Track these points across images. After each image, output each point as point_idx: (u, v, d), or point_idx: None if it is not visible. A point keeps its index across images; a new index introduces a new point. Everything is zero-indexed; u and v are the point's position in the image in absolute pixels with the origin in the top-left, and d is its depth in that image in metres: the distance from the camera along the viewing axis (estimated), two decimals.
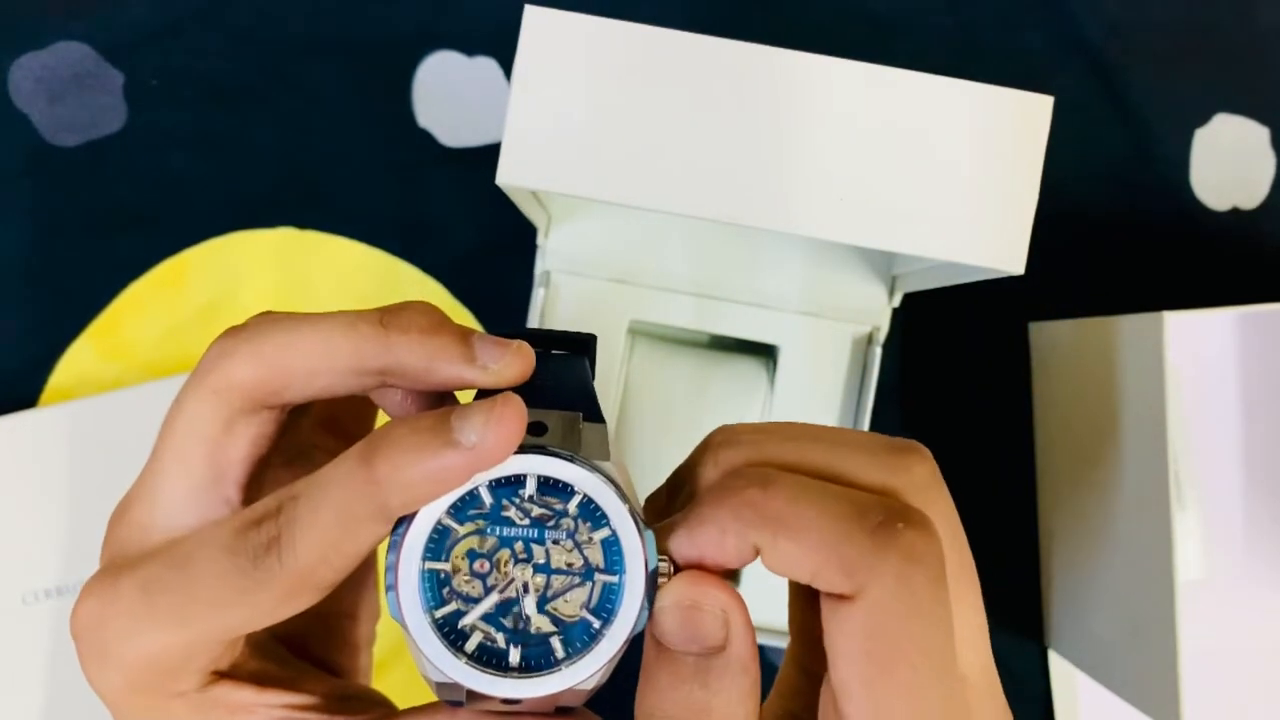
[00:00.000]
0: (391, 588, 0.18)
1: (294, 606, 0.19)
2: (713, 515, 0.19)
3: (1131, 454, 0.38)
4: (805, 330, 0.41)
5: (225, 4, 0.45)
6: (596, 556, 0.19)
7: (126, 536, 0.21)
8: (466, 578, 0.19)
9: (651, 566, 0.19)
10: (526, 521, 0.19)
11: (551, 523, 0.19)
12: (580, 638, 0.19)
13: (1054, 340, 0.44)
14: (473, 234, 0.45)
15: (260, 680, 0.21)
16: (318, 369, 0.19)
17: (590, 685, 0.19)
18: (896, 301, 0.41)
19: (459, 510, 0.19)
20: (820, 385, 0.41)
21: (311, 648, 0.23)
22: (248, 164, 0.45)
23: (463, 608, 0.19)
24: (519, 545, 0.19)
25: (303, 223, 0.45)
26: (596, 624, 0.19)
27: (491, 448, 0.17)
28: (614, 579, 0.19)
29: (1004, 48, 0.47)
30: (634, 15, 0.30)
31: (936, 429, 0.46)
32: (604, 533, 0.19)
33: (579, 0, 0.32)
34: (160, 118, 0.45)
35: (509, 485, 0.19)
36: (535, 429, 0.19)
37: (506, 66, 0.45)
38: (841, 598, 0.18)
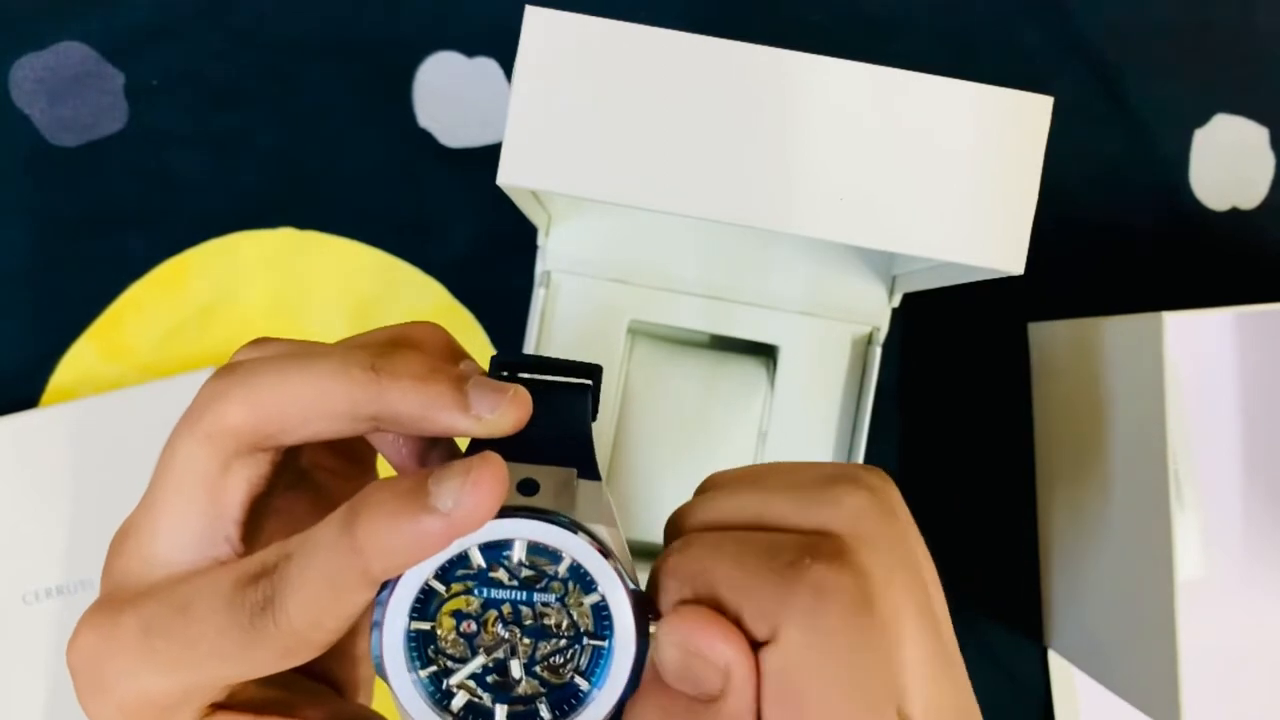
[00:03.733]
0: (376, 648, 0.18)
1: (290, 662, 0.19)
2: (656, 579, 0.19)
3: (1131, 454, 0.38)
4: (805, 330, 0.41)
5: (226, 4, 0.45)
6: (586, 620, 0.19)
7: (126, 569, 0.21)
8: (453, 638, 0.18)
9: (639, 636, 0.18)
10: (515, 583, 0.19)
11: (541, 585, 0.19)
12: (568, 700, 0.18)
13: (1054, 340, 0.44)
14: (473, 234, 0.45)
15: (257, 707, 0.20)
16: (310, 415, 0.19)
17: None
18: (896, 301, 0.41)
19: (447, 571, 0.18)
20: (820, 385, 0.41)
21: (311, 661, 0.23)
22: (248, 164, 0.45)
23: (449, 667, 0.18)
24: (507, 607, 0.19)
25: (303, 223, 0.45)
26: (585, 687, 0.18)
27: (469, 513, 0.17)
28: (603, 644, 0.19)
29: (1004, 48, 0.47)
30: (634, 16, 0.30)
31: (936, 429, 0.46)
32: (594, 598, 0.19)
33: (580, 1, 0.32)
34: (161, 118, 0.45)
35: (497, 547, 0.18)
36: (526, 486, 0.19)
37: (507, 67, 0.45)
38: (766, 643, 0.18)
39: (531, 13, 0.29)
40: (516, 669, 0.18)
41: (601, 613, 0.19)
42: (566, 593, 0.19)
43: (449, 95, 0.45)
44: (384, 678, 0.18)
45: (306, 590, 0.18)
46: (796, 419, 0.41)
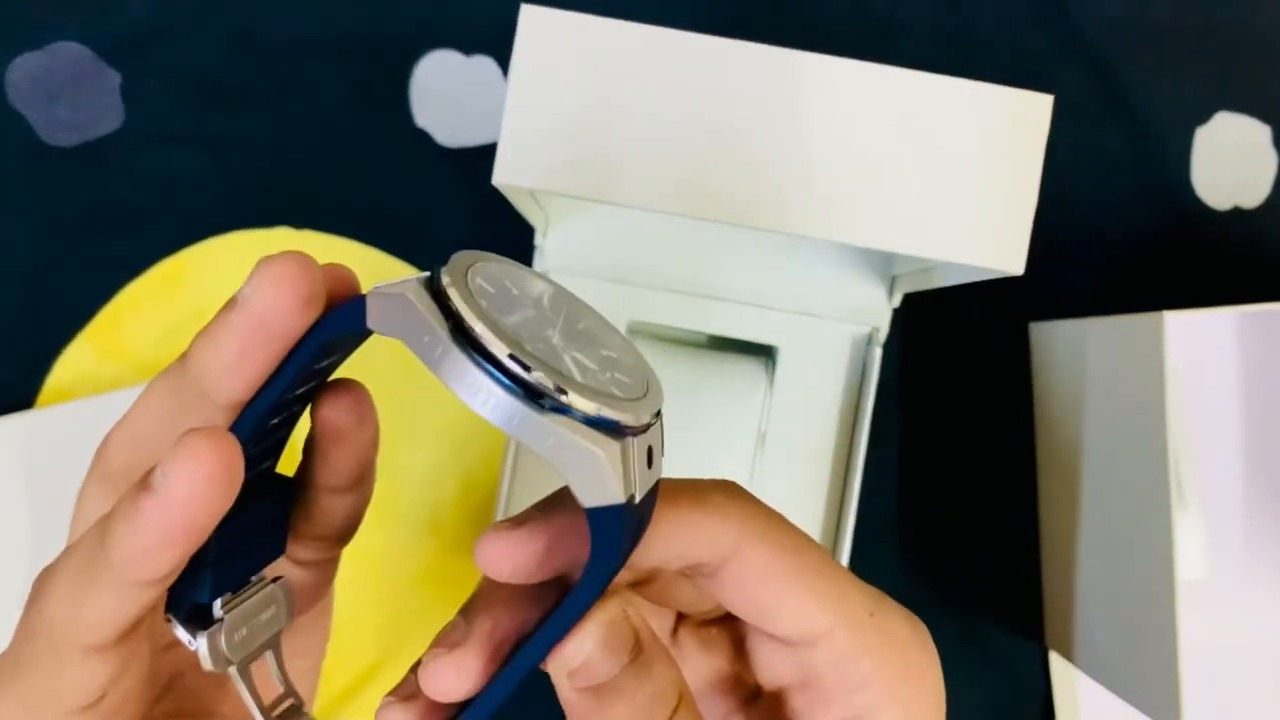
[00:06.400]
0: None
1: (83, 676, 0.18)
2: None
3: (1131, 454, 0.38)
4: (805, 330, 0.41)
5: (222, 4, 0.45)
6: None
7: (30, 603, 0.20)
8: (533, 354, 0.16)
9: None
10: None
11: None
12: (628, 367, 0.18)
13: (1054, 340, 0.44)
14: (470, 234, 0.45)
15: None
16: (168, 435, 0.18)
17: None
18: (896, 301, 0.41)
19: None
20: (820, 385, 0.41)
21: None
22: (245, 164, 0.45)
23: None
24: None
25: (300, 222, 0.45)
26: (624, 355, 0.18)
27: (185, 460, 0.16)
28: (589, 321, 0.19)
29: (1004, 48, 0.47)
30: (634, 14, 0.29)
31: (936, 429, 0.46)
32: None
33: (580, 0, 0.32)
34: (158, 118, 0.45)
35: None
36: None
37: (505, 66, 0.45)
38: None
39: (527, 11, 0.29)
40: (584, 359, 0.17)
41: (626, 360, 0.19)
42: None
43: (446, 94, 0.45)
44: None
45: (56, 576, 0.18)
46: (796, 419, 0.41)
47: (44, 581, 0.18)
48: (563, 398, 0.16)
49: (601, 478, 0.16)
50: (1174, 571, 0.34)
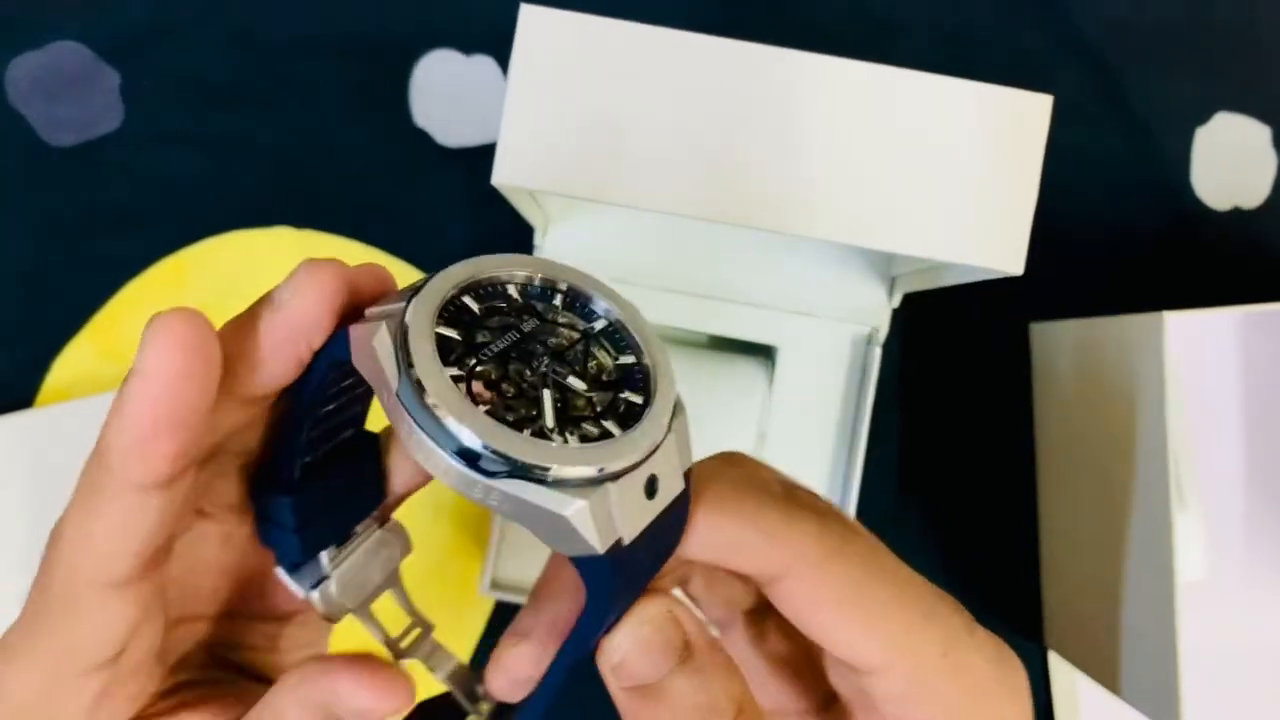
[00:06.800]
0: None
1: (102, 618, 0.18)
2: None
3: (1131, 454, 0.38)
4: (805, 330, 0.41)
5: (222, 4, 0.45)
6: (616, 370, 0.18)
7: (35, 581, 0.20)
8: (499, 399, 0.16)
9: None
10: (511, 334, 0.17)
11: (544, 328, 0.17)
12: (635, 379, 0.17)
13: (1054, 340, 0.44)
14: (470, 233, 0.45)
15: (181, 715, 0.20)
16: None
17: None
18: (896, 301, 0.41)
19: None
20: (820, 385, 0.41)
21: (259, 660, 0.22)
22: (245, 163, 0.45)
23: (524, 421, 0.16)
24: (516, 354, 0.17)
25: (300, 222, 0.45)
26: (636, 362, 0.17)
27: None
28: (605, 323, 0.18)
29: (1004, 48, 0.46)
30: (634, 14, 0.29)
31: (936, 429, 0.46)
32: (627, 358, 0.18)
33: (577, 0, 0.32)
34: (157, 117, 0.45)
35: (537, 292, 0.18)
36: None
37: (505, 65, 0.45)
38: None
39: (527, 11, 0.29)
40: (576, 382, 0.17)
41: (635, 372, 0.17)
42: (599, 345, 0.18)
43: (446, 94, 0.45)
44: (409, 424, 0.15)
45: (68, 518, 0.18)
46: (796, 419, 0.41)
47: (54, 531, 0.18)
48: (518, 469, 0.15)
49: (571, 535, 0.15)
50: (1174, 571, 0.34)
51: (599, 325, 0.18)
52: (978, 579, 0.45)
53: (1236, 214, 0.47)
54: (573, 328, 0.18)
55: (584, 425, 0.16)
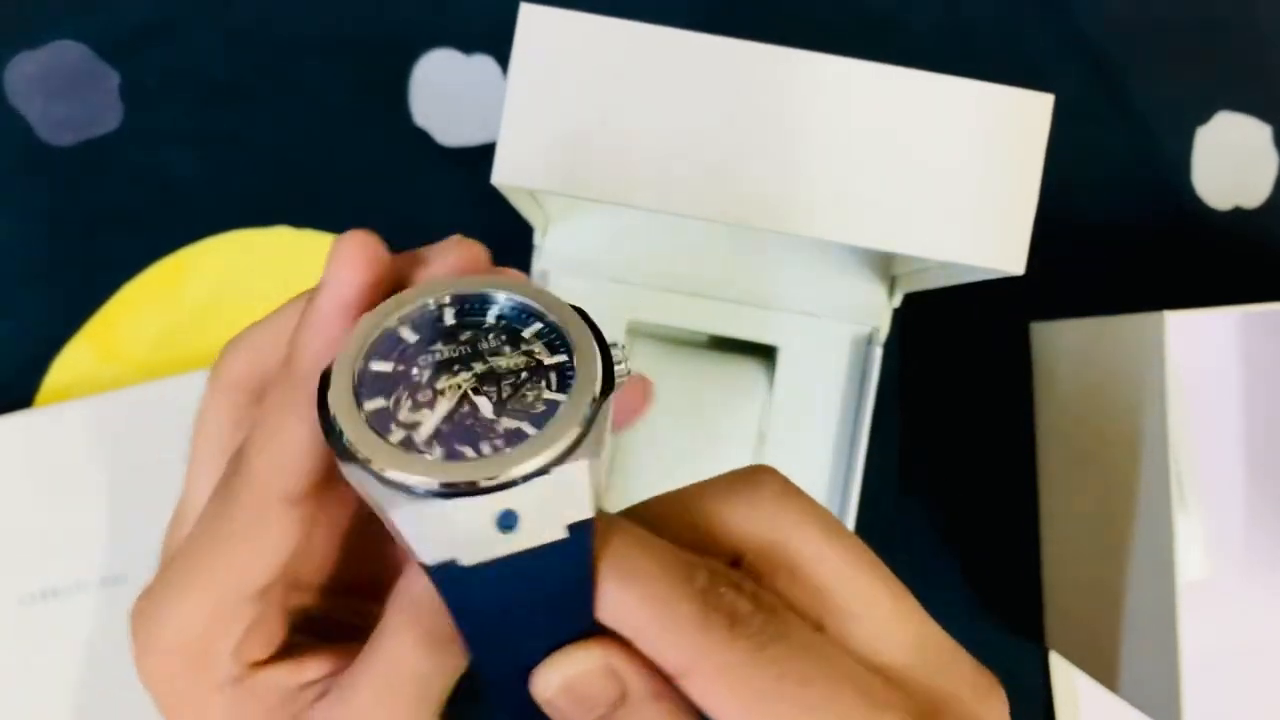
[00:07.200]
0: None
1: (279, 533, 0.19)
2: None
3: (1132, 454, 0.38)
4: (805, 330, 0.41)
5: (222, 3, 0.45)
6: (545, 362, 0.18)
7: (170, 540, 0.22)
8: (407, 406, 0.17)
9: (599, 335, 0.18)
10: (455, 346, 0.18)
11: (479, 340, 0.18)
12: (540, 418, 0.17)
13: (1054, 340, 0.44)
14: (469, 233, 0.45)
15: (303, 658, 0.21)
16: (282, 345, 0.20)
17: (566, 448, 0.16)
18: (897, 301, 0.41)
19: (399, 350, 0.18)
20: (820, 386, 0.41)
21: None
22: (244, 163, 0.45)
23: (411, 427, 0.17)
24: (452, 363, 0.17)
25: (299, 221, 0.45)
26: (559, 398, 0.17)
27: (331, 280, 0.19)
28: (564, 358, 0.18)
29: (1004, 48, 0.46)
30: (635, 13, 0.29)
31: (936, 429, 0.46)
32: (536, 326, 0.18)
33: (578, 0, 0.32)
34: (156, 117, 0.45)
35: (472, 310, 0.18)
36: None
37: (505, 65, 0.45)
38: None
39: (526, 10, 0.29)
40: (487, 408, 0.17)
41: (566, 371, 0.17)
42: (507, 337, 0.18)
43: (446, 93, 0.45)
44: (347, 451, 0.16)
45: (258, 433, 0.18)
46: (796, 419, 0.41)
47: (236, 455, 0.19)
48: (365, 461, 0.16)
49: (400, 536, 0.16)
50: (1174, 571, 0.34)
51: (551, 360, 0.18)
52: (978, 579, 0.45)
53: (1237, 214, 0.47)
54: (518, 354, 0.18)
55: (480, 443, 0.16)
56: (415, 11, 0.45)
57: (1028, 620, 0.45)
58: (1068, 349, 0.43)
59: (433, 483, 0.15)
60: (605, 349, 0.18)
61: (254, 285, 0.44)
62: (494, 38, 0.45)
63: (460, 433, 0.16)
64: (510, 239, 0.43)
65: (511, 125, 0.29)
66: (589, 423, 0.17)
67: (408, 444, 0.16)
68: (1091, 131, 0.46)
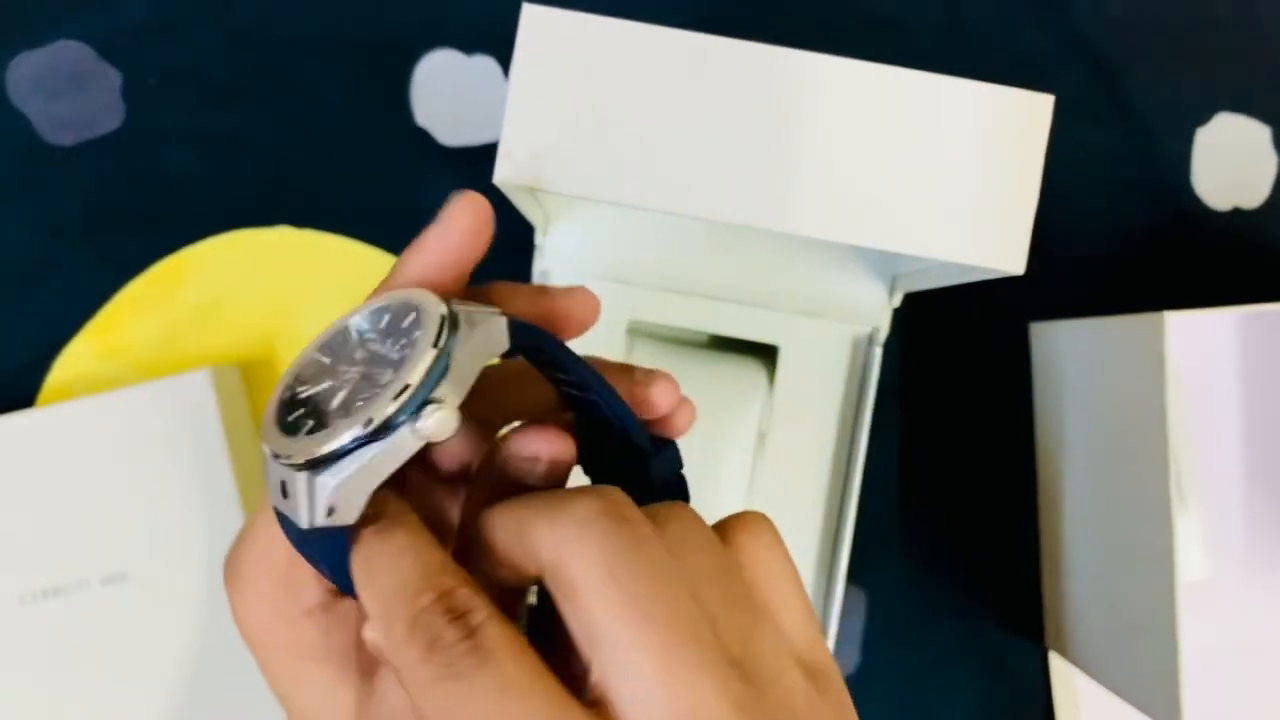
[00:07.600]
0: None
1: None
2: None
3: (1132, 454, 0.38)
4: (805, 330, 0.41)
5: (223, 3, 0.45)
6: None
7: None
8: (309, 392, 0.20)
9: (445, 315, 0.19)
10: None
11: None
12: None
13: (1055, 340, 0.44)
14: None
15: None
16: None
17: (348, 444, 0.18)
18: (897, 301, 0.41)
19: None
20: (820, 385, 0.41)
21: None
22: (245, 163, 0.45)
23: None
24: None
25: (301, 221, 0.45)
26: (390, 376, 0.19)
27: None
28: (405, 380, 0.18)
29: (1004, 48, 0.46)
30: (635, 13, 0.29)
31: (936, 429, 0.46)
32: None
33: (579, 0, 0.32)
34: (158, 117, 0.45)
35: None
36: None
37: (506, 65, 0.45)
38: None
39: (528, 10, 0.29)
40: (338, 399, 0.19)
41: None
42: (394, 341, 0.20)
43: (447, 93, 0.45)
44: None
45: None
46: (796, 419, 0.41)
47: None
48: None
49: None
50: (1174, 571, 0.34)
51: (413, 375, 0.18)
52: (978, 579, 0.45)
53: (1237, 214, 0.47)
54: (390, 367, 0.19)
55: (318, 429, 0.19)
56: (416, 11, 0.45)
57: (1028, 620, 0.45)
58: (1068, 349, 0.43)
59: (267, 449, 0.19)
60: (428, 383, 0.18)
61: (254, 285, 0.44)
62: (495, 38, 0.45)
63: (319, 421, 0.19)
64: (511, 239, 0.43)
65: (513, 125, 0.29)
66: (338, 450, 0.18)
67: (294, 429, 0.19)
68: (1091, 131, 0.46)
